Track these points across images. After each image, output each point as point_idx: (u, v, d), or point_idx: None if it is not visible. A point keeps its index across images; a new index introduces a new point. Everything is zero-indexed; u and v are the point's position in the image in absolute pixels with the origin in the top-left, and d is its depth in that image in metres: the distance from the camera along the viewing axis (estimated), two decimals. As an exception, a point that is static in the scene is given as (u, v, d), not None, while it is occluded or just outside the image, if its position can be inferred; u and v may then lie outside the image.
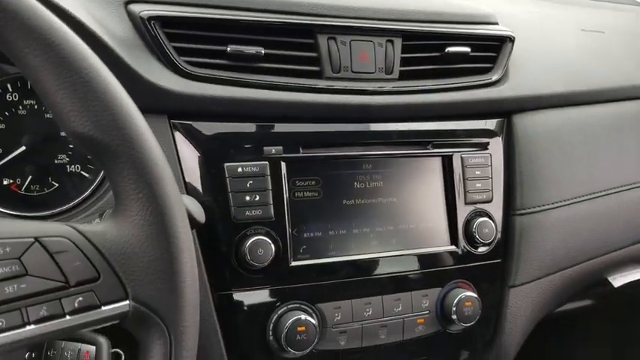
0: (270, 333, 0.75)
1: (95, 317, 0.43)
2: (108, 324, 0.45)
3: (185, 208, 0.47)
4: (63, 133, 0.83)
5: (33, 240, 0.43)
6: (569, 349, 1.79)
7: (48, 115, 0.81)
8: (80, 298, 0.43)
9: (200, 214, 0.61)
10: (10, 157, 0.77)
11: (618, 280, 1.02)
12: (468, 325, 0.84)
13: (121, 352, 0.70)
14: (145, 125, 0.46)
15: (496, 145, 0.90)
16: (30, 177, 0.76)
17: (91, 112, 0.44)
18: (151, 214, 0.44)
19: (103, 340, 0.69)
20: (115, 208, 0.45)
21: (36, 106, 0.79)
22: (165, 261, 0.44)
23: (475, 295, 0.84)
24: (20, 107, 0.80)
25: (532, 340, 1.77)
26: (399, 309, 0.82)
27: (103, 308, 0.43)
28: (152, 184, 0.44)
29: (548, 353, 1.84)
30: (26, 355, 0.68)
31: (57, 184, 0.77)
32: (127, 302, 0.44)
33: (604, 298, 1.48)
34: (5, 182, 0.76)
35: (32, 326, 0.42)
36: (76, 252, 0.43)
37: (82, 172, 0.78)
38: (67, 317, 0.43)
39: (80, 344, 0.69)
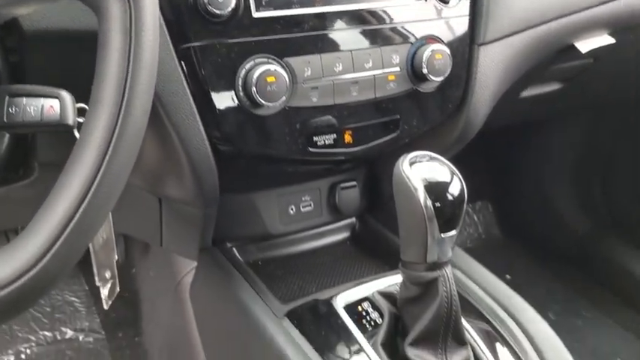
0: (240, 89, 0.74)
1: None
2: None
3: None
4: None
5: None
6: (534, 155, 1.86)
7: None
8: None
9: None
10: None
11: (585, 46, 1.02)
12: (439, 79, 0.84)
13: (86, 107, 0.67)
14: None
15: None
16: None
17: None
18: None
19: (65, 94, 0.67)
20: None
21: None
22: None
23: (446, 49, 0.83)
24: None
25: (498, 148, 1.83)
26: (370, 65, 0.81)
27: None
28: None
29: (514, 159, 1.92)
30: (-15, 113, 0.65)
31: None
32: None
33: (570, 105, 1.51)
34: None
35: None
36: None
37: None
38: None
39: (43, 99, 0.66)
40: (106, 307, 0.79)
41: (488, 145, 1.84)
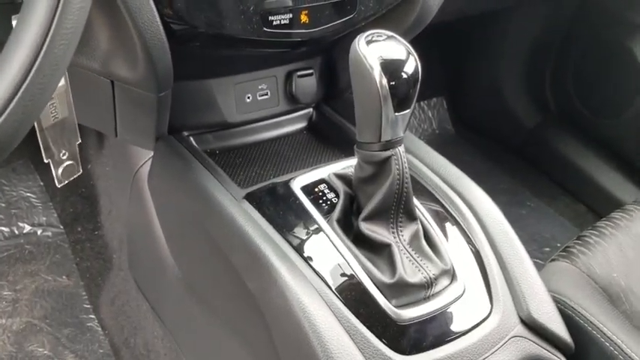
0: None
1: None
2: None
3: None
4: None
5: None
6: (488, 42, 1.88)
7: None
8: None
9: None
10: None
11: None
12: None
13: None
14: None
15: None
16: None
17: None
18: None
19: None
20: None
21: None
22: None
23: None
24: None
25: (454, 44, 1.84)
26: (326, -60, 0.78)
27: None
28: None
29: (469, 56, 1.93)
30: None
31: None
32: None
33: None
34: None
35: None
36: None
37: None
38: None
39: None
40: (58, 185, 0.79)
41: (444, 42, 1.85)
